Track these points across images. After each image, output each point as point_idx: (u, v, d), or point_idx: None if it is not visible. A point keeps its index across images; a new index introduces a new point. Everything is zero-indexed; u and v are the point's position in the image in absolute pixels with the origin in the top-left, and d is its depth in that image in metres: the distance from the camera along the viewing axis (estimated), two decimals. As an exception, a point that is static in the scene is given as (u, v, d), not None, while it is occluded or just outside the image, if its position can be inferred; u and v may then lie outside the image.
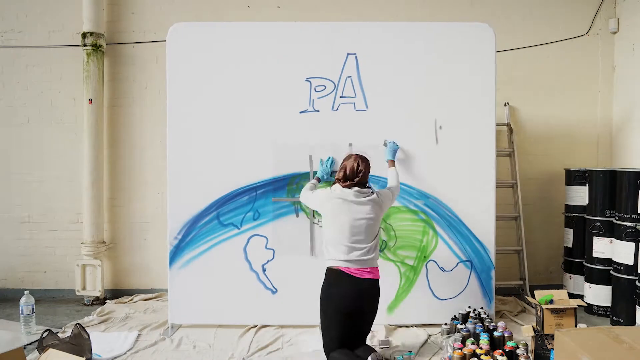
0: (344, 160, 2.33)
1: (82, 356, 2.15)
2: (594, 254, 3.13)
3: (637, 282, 2.69)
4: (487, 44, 2.70)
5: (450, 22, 3.02)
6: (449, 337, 2.41)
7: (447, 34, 2.71)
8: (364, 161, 2.31)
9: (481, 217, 2.74)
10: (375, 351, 2.11)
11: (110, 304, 3.20)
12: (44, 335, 2.19)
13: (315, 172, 2.69)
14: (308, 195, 2.40)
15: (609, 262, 3.03)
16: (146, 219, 3.50)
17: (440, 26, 2.73)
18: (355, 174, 2.25)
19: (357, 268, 2.13)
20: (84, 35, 3.33)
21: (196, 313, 2.73)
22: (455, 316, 2.64)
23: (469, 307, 2.68)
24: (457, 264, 2.77)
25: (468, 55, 2.71)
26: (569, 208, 3.36)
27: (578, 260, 3.31)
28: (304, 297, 2.72)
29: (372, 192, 2.27)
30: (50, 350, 1.99)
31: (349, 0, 3.49)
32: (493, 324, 2.48)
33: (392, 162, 2.59)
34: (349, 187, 2.24)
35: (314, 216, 2.74)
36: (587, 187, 3.23)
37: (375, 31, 2.71)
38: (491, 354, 2.15)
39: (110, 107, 3.50)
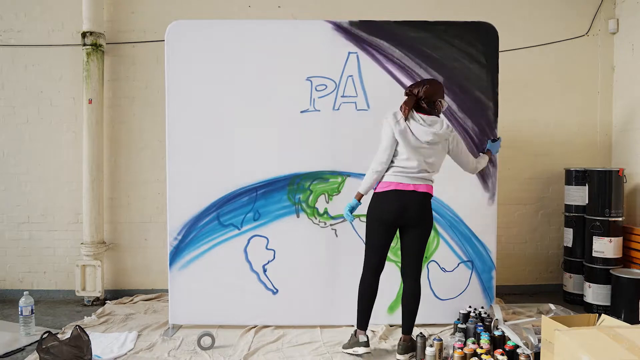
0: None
1: (82, 357, 2.14)
2: (594, 254, 3.14)
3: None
4: (490, 41, 2.70)
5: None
6: (454, 336, 2.42)
7: (449, 32, 2.71)
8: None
9: (482, 217, 2.74)
10: None
11: (110, 305, 3.19)
12: (44, 336, 2.17)
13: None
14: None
15: (608, 261, 3.04)
16: (146, 219, 3.49)
17: (443, 24, 2.73)
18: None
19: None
20: (83, 35, 3.32)
21: (197, 313, 2.73)
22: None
23: (470, 306, 2.68)
24: (458, 264, 2.77)
25: (471, 53, 2.71)
26: (568, 208, 3.37)
27: (578, 259, 3.32)
28: (305, 297, 2.73)
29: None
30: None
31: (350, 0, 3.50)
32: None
33: (489, 152, 2.59)
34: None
35: (314, 216, 2.74)
36: (586, 187, 3.24)
37: (377, 29, 2.71)
38: (492, 353, 2.16)
39: (110, 107, 3.49)
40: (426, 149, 2.23)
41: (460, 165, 2.40)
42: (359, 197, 2.33)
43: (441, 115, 2.34)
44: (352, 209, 2.34)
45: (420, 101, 2.25)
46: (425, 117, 2.25)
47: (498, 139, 2.63)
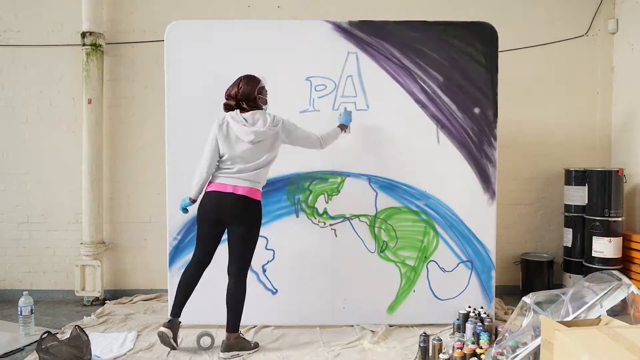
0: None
1: (82, 357, 2.14)
2: (593, 254, 3.14)
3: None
4: (490, 41, 2.70)
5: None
6: (454, 336, 2.42)
7: (449, 32, 2.71)
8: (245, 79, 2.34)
9: (482, 217, 2.74)
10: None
11: (109, 305, 3.19)
12: (43, 336, 2.17)
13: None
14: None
15: (608, 261, 3.04)
16: (146, 219, 3.49)
17: (442, 24, 2.73)
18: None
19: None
20: (83, 35, 3.32)
21: (196, 313, 2.71)
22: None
23: (469, 306, 2.68)
24: (458, 264, 2.77)
25: (471, 53, 2.71)
26: (568, 208, 3.37)
27: (577, 259, 3.32)
28: (305, 297, 2.73)
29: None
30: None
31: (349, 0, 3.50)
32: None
33: (342, 127, 2.58)
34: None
35: (313, 216, 2.74)
36: (586, 187, 3.24)
37: (376, 29, 2.71)
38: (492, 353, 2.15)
39: (110, 107, 3.49)
40: (250, 148, 2.26)
41: (304, 146, 2.42)
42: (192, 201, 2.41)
43: (267, 108, 2.40)
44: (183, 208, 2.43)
45: (241, 103, 2.30)
46: (247, 116, 2.29)
47: (345, 110, 2.59)
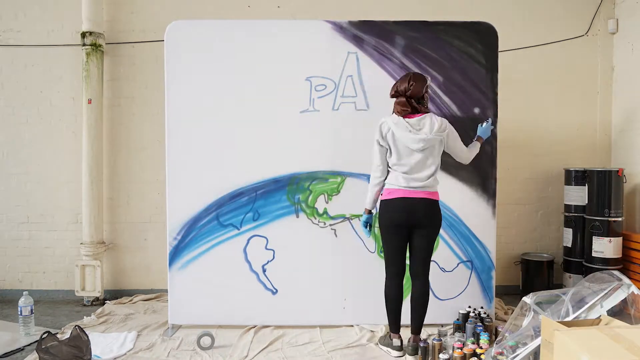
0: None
1: (82, 357, 2.14)
2: (594, 254, 3.14)
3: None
4: (490, 41, 2.70)
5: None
6: (453, 336, 2.42)
7: (449, 32, 2.71)
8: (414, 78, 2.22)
9: (482, 217, 2.74)
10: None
11: (109, 305, 3.19)
12: (43, 336, 2.17)
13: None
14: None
15: (608, 261, 3.04)
16: (146, 219, 3.49)
17: (442, 24, 2.73)
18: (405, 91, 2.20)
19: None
20: (83, 35, 3.32)
21: (196, 313, 2.72)
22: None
23: (469, 306, 2.68)
24: (458, 264, 2.77)
25: (471, 53, 2.71)
26: (568, 208, 3.37)
27: (577, 259, 3.32)
28: (305, 297, 2.73)
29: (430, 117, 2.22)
30: None
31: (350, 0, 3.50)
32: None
33: (480, 139, 2.50)
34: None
35: (313, 216, 2.74)
36: (586, 187, 3.24)
37: (376, 29, 2.71)
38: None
39: (110, 107, 3.49)
40: (418, 154, 2.21)
41: (454, 157, 2.39)
42: (367, 212, 2.40)
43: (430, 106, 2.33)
44: (365, 224, 2.42)
45: (410, 100, 2.21)
46: (413, 121, 2.22)
47: (487, 121, 2.56)
